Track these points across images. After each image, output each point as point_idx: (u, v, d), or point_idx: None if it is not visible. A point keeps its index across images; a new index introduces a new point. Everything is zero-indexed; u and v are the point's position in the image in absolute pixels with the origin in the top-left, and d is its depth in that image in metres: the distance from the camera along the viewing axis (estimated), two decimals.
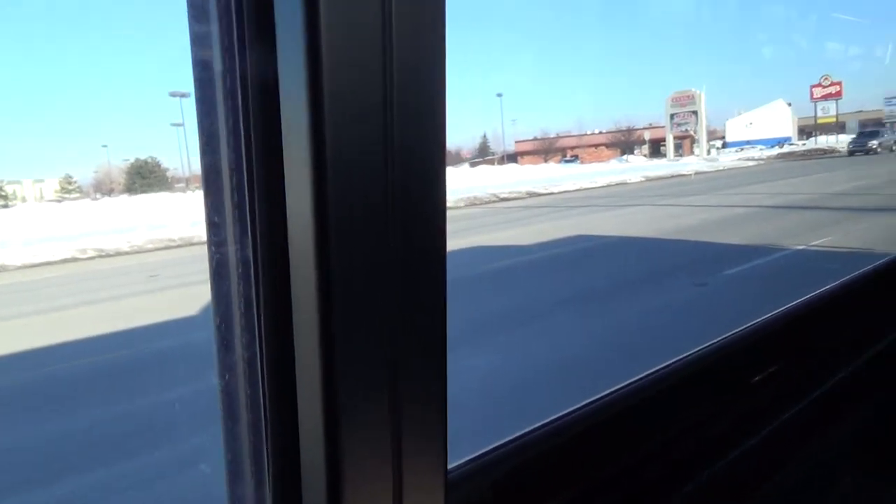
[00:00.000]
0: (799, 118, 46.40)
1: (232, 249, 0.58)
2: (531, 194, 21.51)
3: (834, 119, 42.17)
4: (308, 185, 0.51)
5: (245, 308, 0.58)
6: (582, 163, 44.65)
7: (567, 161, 46.86)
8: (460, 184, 22.46)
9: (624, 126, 52.37)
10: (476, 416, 3.21)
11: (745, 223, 11.33)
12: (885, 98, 44.31)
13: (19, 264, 11.26)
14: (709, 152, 41.02)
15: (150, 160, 27.83)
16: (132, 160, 28.09)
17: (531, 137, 55.99)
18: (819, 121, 43.04)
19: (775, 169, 26.90)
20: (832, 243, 8.40)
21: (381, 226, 0.54)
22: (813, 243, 8.48)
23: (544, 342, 5.17)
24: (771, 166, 29.16)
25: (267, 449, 0.58)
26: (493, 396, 4.03)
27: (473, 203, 19.54)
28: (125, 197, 24.96)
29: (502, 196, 20.62)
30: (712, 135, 46.98)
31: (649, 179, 25.24)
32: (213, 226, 0.59)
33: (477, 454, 0.83)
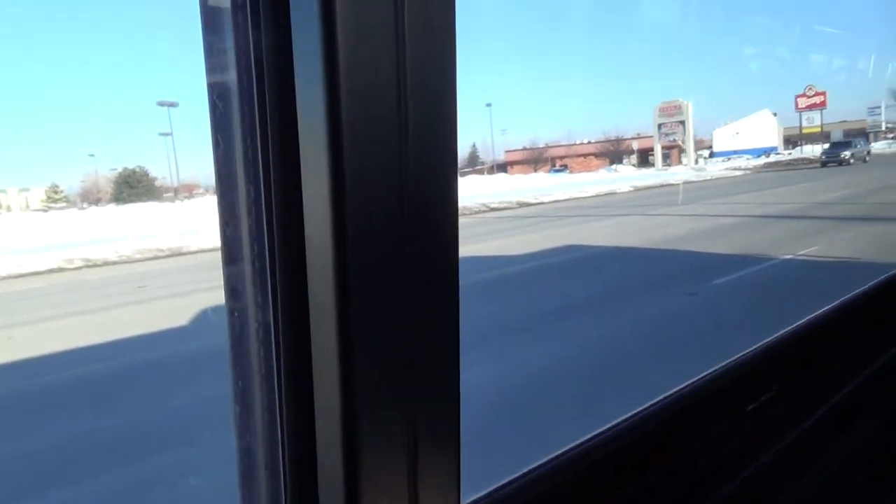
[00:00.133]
0: (784, 128, 46.93)
1: (247, 258, 0.58)
2: (521, 204, 21.56)
3: (819, 129, 42.70)
4: (326, 190, 0.51)
5: (262, 317, 0.58)
6: (571, 172, 44.88)
7: (556, 171, 47.10)
8: None
9: (613, 136, 52.79)
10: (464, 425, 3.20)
11: (733, 233, 11.43)
12: (868, 108, 45.06)
13: (4, 274, 11.12)
14: (696, 162, 41.36)
15: (138, 169, 27.59)
16: (120, 169, 27.84)
17: (521, 147, 56.31)
18: (804, 130, 43.59)
19: (761, 178, 27.18)
20: (819, 252, 8.49)
21: (398, 231, 0.54)
22: (800, 253, 8.56)
23: (535, 351, 5.17)
24: (757, 176, 29.46)
25: (283, 457, 0.58)
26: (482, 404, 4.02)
27: (463, 213, 19.53)
28: (113, 206, 24.73)
29: (492, 206, 20.65)
30: (700, 144, 47.38)
31: (638, 189, 25.39)
32: (228, 238, 0.59)
33: (492, 488, 0.81)
